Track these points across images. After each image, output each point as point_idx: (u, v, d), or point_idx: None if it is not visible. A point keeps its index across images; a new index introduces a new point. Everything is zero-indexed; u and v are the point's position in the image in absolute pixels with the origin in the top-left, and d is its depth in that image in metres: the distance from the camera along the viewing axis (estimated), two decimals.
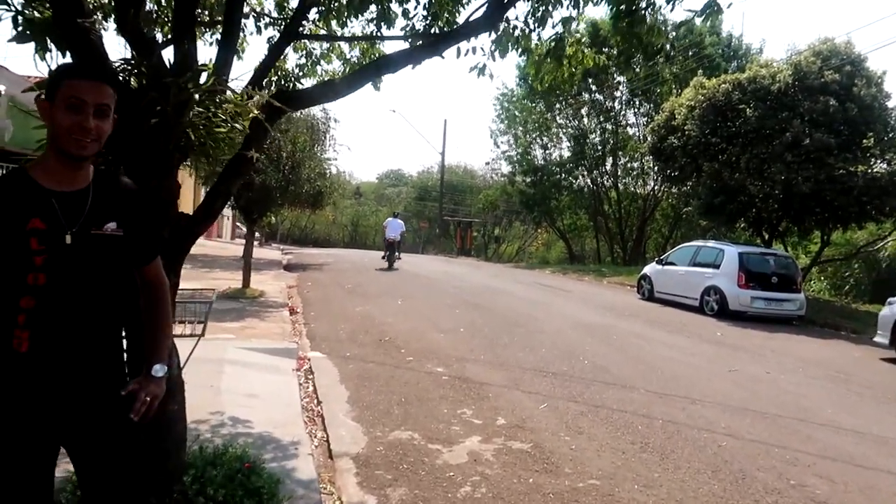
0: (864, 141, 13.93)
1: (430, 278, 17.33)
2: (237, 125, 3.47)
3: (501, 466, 4.57)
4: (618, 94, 30.43)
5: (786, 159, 14.02)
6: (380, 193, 63.22)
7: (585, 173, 32.46)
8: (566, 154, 33.22)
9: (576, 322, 10.96)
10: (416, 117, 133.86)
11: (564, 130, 33.29)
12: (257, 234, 26.67)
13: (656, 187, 29.74)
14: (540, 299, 14.22)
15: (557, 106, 32.13)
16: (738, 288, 13.06)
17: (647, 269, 16.27)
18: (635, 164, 31.91)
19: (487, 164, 41.46)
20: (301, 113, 16.40)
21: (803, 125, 14.03)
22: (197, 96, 3.04)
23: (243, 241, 15.21)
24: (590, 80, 29.41)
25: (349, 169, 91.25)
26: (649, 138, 18.90)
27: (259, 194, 12.45)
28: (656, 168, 22.28)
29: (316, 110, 16.77)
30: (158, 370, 2.20)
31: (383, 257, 20.39)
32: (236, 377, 6.35)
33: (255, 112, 3.31)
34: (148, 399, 2.11)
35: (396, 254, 20.20)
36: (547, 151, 33.91)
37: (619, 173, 31.99)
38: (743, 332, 11.40)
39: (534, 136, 33.90)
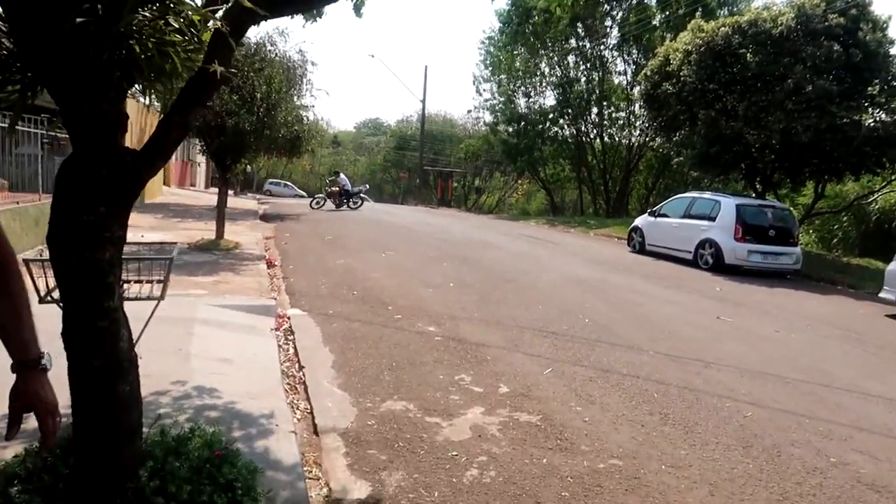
0: (869, 88, 13.34)
1: (413, 230, 16.68)
2: (194, 36, 2.74)
3: (509, 443, 4.04)
4: (606, 40, 29.48)
5: (786, 107, 13.43)
6: (358, 143, 61.89)
7: (569, 123, 31.71)
8: (550, 103, 32.38)
9: (569, 276, 10.44)
10: (395, 63, 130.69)
11: (548, 79, 32.35)
12: (233, 182, 25.88)
13: (644, 137, 29.09)
14: (529, 252, 13.68)
15: (542, 52, 31.11)
16: (734, 241, 12.61)
17: (639, 221, 15.76)
18: (621, 114, 31.21)
19: (469, 112, 40.60)
20: (276, 54, 15.39)
21: (805, 71, 13.39)
22: None
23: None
24: (578, 25, 28.39)
25: (327, 117, 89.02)
26: (642, 84, 18.17)
27: (232, 139, 11.59)
28: (647, 116, 21.55)
29: (292, 52, 15.76)
30: (46, 360, 1.60)
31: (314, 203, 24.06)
32: (208, 339, 5.70)
33: (219, 23, 2.58)
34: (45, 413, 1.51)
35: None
36: (531, 100, 33.04)
37: (604, 123, 31.26)
38: (742, 288, 10.98)
39: (517, 84, 32.93)
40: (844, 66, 13.56)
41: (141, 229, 11.47)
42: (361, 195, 24.31)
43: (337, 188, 23.97)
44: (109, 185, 2.66)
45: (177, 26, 2.56)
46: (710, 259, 12.92)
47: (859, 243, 18.97)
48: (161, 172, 23.37)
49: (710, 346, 6.70)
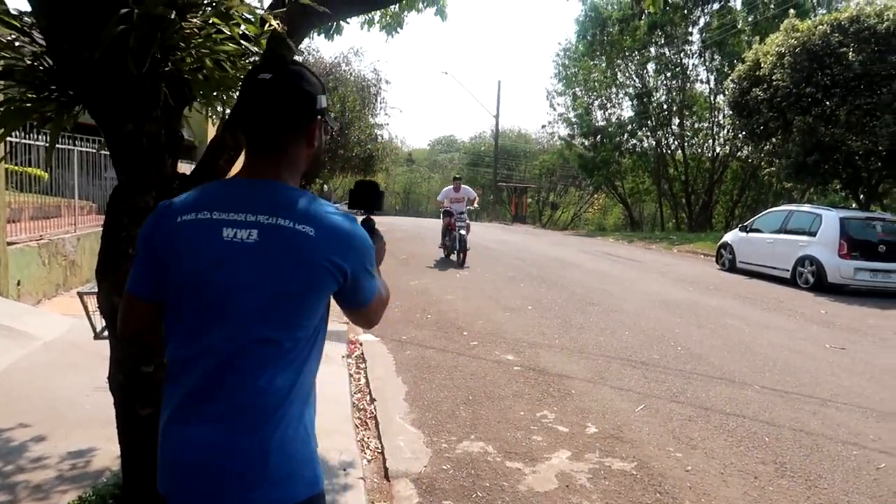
0: None
1: (488, 248, 16.29)
2: (250, 44, 2.46)
3: (602, 497, 3.56)
4: (687, 47, 28.35)
5: (895, 109, 12.29)
6: (432, 160, 62.22)
7: (649, 134, 30.62)
8: (628, 114, 31.39)
9: (656, 298, 9.77)
10: (469, 80, 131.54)
11: (626, 90, 31.42)
12: None
13: (729, 147, 27.69)
14: (610, 271, 13.03)
15: (619, 62, 30.26)
16: (838, 258, 11.53)
17: (729, 237, 14.79)
18: (704, 124, 29.87)
19: (543, 127, 39.79)
20: (351, 74, 15.47)
21: None
22: None
23: None
24: (657, 33, 27.46)
25: (401, 135, 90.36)
26: (728, 91, 17.20)
27: None
28: (734, 125, 20.43)
29: (367, 71, 15.83)
30: None
31: (442, 247, 13.33)
32: None
33: (275, 23, 2.30)
34: None
35: (458, 237, 12.43)
36: (607, 112, 32.15)
37: (686, 133, 30.00)
38: (850, 310, 9.98)
39: (593, 95, 32.14)
40: None
41: None
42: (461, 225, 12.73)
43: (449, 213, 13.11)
44: None
45: (228, 33, 2.29)
46: (810, 278, 11.89)
47: None
48: None
49: (824, 379, 5.96)
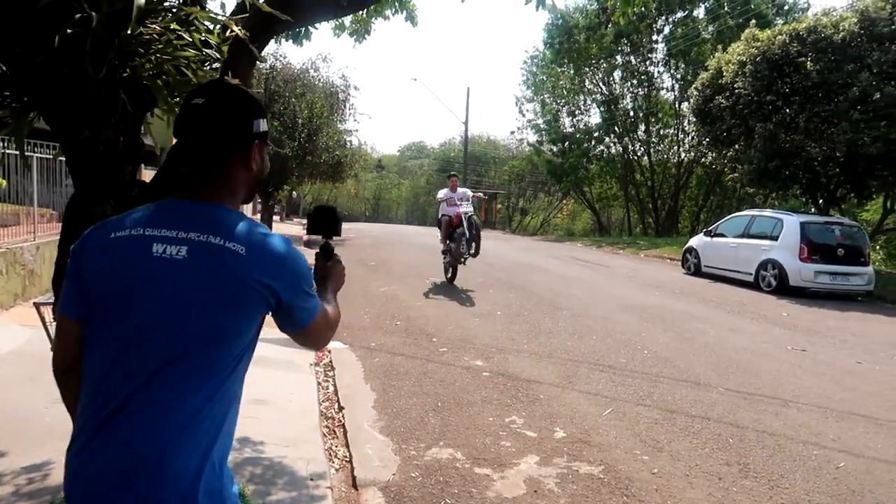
0: None
1: None
2: (211, 51, 2.43)
3: (570, 501, 3.58)
4: (652, 56, 28.83)
5: (851, 117, 12.63)
6: (402, 166, 62.19)
7: (616, 141, 31.04)
8: (596, 121, 31.80)
9: (623, 302, 9.89)
10: (438, 86, 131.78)
11: (593, 96, 31.82)
12: (277, 209, 25.91)
13: (694, 153, 28.21)
14: (578, 276, 13.15)
15: (586, 70, 30.64)
16: (799, 261, 11.82)
17: (694, 242, 15.05)
18: (669, 131, 30.40)
19: (512, 133, 40.24)
20: (319, 80, 15.39)
21: (872, 78, 12.58)
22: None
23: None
24: (623, 41, 27.87)
25: (371, 141, 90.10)
26: (692, 99, 17.51)
27: (273, 165, 11.44)
28: (698, 132, 20.81)
29: (335, 77, 15.77)
30: None
31: (444, 253, 11.17)
32: None
33: (237, 29, 2.27)
34: None
35: (464, 245, 10.49)
36: (575, 119, 32.51)
37: (652, 140, 30.48)
38: (811, 312, 10.22)
39: (562, 102, 32.49)
40: None
41: None
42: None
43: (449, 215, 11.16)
44: None
45: (189, 39, 2.26)
46: (772, 281, 12.15)
47: None
48: None
49: (786, 381, 6.09)
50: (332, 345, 6.69)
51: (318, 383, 5.56)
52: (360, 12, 5.71)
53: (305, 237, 20.64)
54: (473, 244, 10.42)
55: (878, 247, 19.40)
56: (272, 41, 5.89)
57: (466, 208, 10.79)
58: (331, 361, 6.20)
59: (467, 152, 41.19)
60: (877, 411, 5.31)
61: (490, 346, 6.87)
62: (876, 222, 17.89)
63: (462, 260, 10.76)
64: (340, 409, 4.97)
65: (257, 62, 2.98)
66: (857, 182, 14.40)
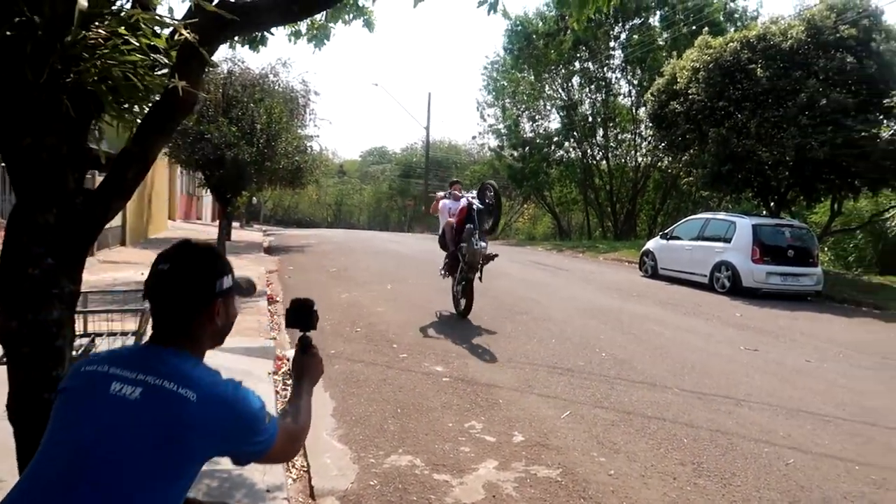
0: (885, 101, 12.93)
1: (419, 259, 16.30)
2: (160, 56, 2.39)
3: None
4: (609, 62, 29.31)
5: (800, 122, 13.06)
6: (363, 171, 61.90)
7: (575, 145, 31.45)
8: (555, 126, 32.16)
9: (583, 306, 10.01)
10: (399, 91, 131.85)
11: (553, 102, 32.17)
12: (236, 215, 25.50)
13: (651, 158, 28.75)
14: (539, 280, 13.26)
15: (546, 75, 30.98)
16: (751, 263, 12.15)
17: (650, 245, 15.33)
18: (627, 136, 30.92)
19: (474, 138, 40.22)
20: (279, 85, 15.24)
21: (818, 84, 13.04)
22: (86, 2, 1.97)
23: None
24: (581, 48, 28.28)
25: (332, 146, 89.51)
26: (649, 104, 17.86)
27: (231, 171, 11.35)
28: (654, 136, 21.24)
29: (295, 82, 15.64)
30: None
31: (443, 270, 9.07)
32: None
33: (186, 33, 2.23)
34: None
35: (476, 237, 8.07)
36: (536, 123, 32.79)
37: (610, 145, 30.97)
38: (763, 312, 10.50)
39: (522, 108, 32.77)
40: (859, 78, 13.21)
41: (144, 266, 11.14)
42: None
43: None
44: (58, 233, 2.30)
45: (136, 44, 2.21)
46: (726, 282, 12.46)
47: (877, 261, 18.44)
48: (166, 206, 23.12)
49: (738, 380, 6.24)
50: (291, 353, 6.62)
51: (277, 392, 5.49)
52: (319, 17, 5.67)
53: (266, 243, 20.41)
54: (491, 220, 8.27)
55: (826, 248, 20.00)
56: (227, 46, 5.80)
57: (467, 196, 8.67)
58: (289, 370, 6.13)
59: (429, 157, 41.23)
60: (824, 408, 5.49)
61: (450, 352, 6.88)
62: (824, 224, 18.44)
63: (479, 266, 8.02)
64: None
65: (209, 66, 2.93)
66: (806, 185, 14.88)
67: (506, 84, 32.74)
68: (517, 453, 4.31)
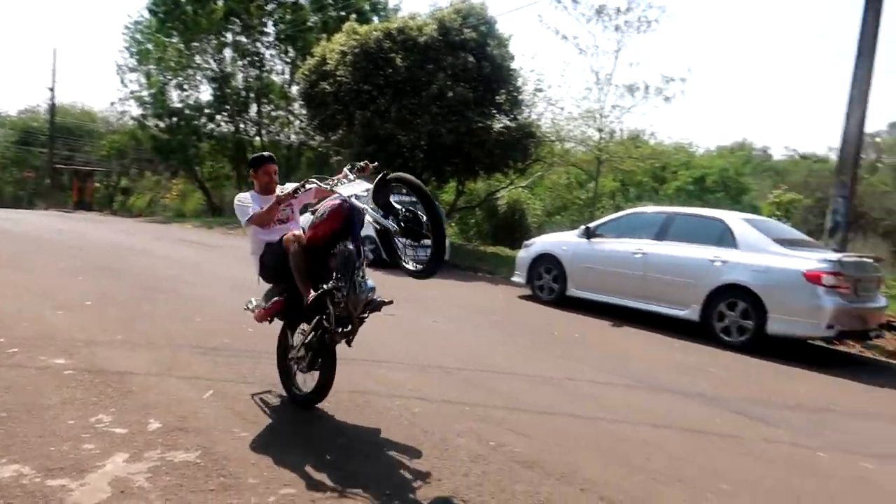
0: (497, 97, 15.19)
1: (42, 238, 14.08)
2: None
3: (162, 495, 3.39)
4: (263, 38, 28.83)
5: (432, 111, 14.58)
6: None
7: (228, 119, 30.33)
8: (207, 98, 30.55)
9: (230, 283, 9.74)
10: (16, 46, 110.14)
11: (204, 72, 30.45)
12: None
13: (304, 135, 29.21)
14: (185, 257, 12.53)
15: (196, 44, 29.13)
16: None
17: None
18: (280, 113, 30.90)
19: (113, 104, 36.01)
20: None
21: (447, 79, 14.70)
22: None
23: None
24: (233, 20, 27.25)
25: None
26: (301, 83, 18.08)
27: None
28: (307, 115, 21.62)
29: None
30: None
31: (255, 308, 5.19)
32: None
33: None
34: None
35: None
36: (185, 94, 30.70)
37: (263, 121, 30.59)
38: (394, 280, 11.49)
39: (169, 76, 30.32)
40: (477, 76, 15.26)
41: None
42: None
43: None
44: None
45: None
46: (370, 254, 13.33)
47: (492, 234, 21.78)
48: None
49: (377, 344, 6.76)
50: None
51: None
52: None
53: None
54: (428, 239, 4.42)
55: (453, 223, 22.89)
56: None
57: (351, 190, 4.40)
58: None
59: (54, 123, 35.63)
60: (446, 361, 6.29)
61: (76, 340, 6.08)
62: (451, 202, 20.99)
63: (357, 320, 4.57)
64: None
65: None
66: (438, 168, 16.72)
67: (151, 49, 29.95)
68: (152, 441, 4.02)
